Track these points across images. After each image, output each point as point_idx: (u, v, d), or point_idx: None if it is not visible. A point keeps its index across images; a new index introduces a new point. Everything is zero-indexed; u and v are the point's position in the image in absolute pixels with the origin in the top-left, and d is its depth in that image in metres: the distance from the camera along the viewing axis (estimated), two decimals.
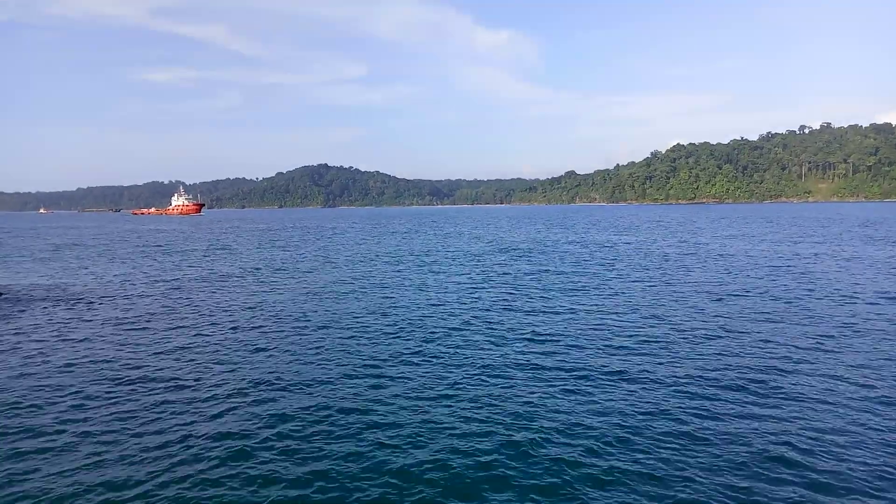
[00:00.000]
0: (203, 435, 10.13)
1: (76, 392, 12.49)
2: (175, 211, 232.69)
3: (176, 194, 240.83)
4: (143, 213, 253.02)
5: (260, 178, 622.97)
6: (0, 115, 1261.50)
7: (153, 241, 66.04)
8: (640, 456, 9.13)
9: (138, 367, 14.30)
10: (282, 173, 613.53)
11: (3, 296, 24.30)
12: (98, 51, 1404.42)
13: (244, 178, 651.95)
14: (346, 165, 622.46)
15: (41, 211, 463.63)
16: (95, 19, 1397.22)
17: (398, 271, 33.85)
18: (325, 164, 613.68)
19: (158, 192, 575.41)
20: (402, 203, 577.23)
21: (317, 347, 16.07)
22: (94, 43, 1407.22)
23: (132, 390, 12.63)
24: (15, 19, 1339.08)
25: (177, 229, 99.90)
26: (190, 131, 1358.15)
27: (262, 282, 29.56)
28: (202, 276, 31.79)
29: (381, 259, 41.62)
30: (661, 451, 9.30)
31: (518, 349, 15.63)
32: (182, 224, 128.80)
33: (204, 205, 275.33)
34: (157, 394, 12.37)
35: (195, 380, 13.35)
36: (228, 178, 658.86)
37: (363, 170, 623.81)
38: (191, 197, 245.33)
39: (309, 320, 19.81)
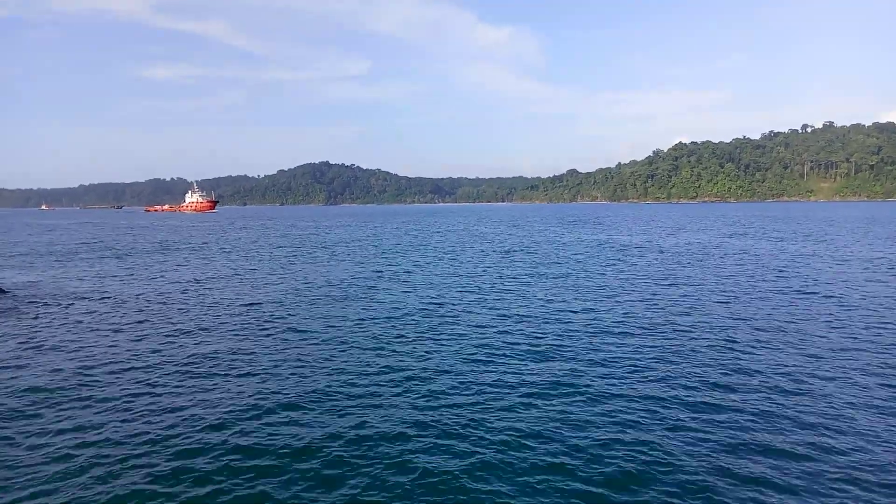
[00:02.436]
0: (208, 437, 9.82)
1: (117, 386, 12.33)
2: (189, 208, 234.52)
3: (189, 191, 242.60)
4: (156, 210, 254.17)
5: (262, 176, 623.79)
6: (1, 112, 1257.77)
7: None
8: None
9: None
10: (283, 171, 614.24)
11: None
12: (99, 48, 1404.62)
13: (246, 175, 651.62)
14: (348, 163, 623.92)
15: (43, 207, 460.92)
16: (97, 15, 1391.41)
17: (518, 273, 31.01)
18: (327, 162, 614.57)
19: (160, 189, 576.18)
20: (404, 201, 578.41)
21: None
22: (96, 39, 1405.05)
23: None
24: (16, 15, 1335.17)
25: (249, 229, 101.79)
26: (191, 128, 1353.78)
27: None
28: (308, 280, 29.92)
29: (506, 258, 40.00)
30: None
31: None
32: (220, 222, 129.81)
33: (218, 202, 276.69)
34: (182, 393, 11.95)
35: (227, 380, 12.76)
36: (230, 176, 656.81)
37: (365, 168, 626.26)
38: (204, 194, 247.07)
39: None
